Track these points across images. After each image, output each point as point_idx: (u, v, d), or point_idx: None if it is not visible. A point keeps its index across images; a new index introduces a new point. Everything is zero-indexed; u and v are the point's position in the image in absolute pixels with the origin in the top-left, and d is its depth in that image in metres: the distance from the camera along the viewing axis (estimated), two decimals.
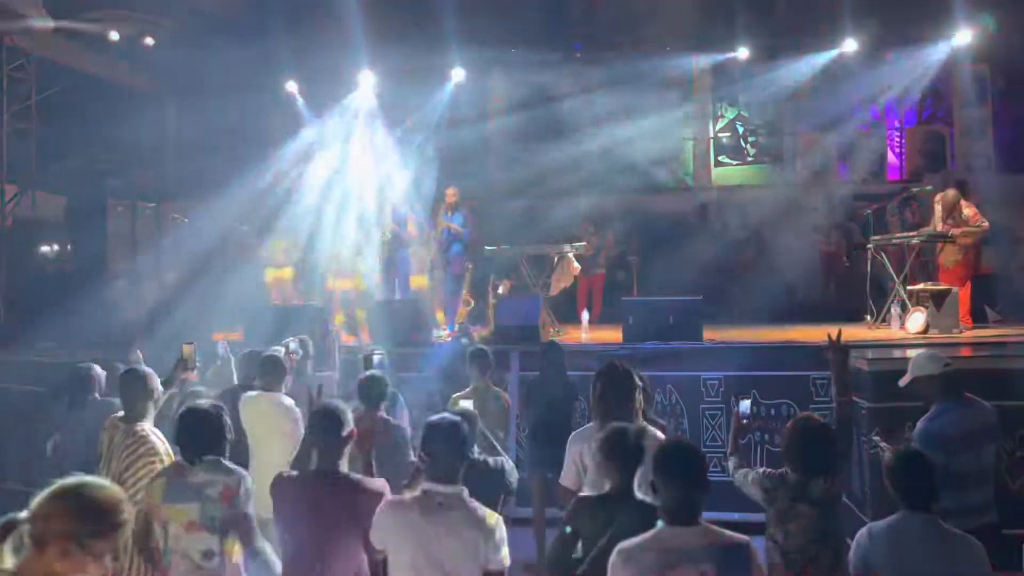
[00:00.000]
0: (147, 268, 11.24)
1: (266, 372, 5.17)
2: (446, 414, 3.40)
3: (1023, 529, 3.34)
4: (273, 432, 4.86)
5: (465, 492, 3.12)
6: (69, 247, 11.13)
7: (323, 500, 3.34)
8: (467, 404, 4.54)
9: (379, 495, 3.32)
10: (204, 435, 3.53)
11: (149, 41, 13.05)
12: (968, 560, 3.11)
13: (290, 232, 11.80)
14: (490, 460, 4.05)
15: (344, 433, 3.46)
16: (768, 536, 3.59)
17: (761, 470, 3.79)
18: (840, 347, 4.01)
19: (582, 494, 3.51)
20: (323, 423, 3.47)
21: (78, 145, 12.96)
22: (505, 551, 3.09)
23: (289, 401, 4.99)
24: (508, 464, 4.14)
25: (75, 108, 13.08)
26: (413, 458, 5.28)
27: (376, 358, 5.71)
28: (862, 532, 3.23)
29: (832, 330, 4.07)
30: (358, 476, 3.46)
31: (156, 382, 4.34)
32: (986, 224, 8.23)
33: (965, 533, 3.23)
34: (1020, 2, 11.85)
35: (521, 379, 7.08)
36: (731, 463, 4.04)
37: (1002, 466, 5.31)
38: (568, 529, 3.26)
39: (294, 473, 3.55)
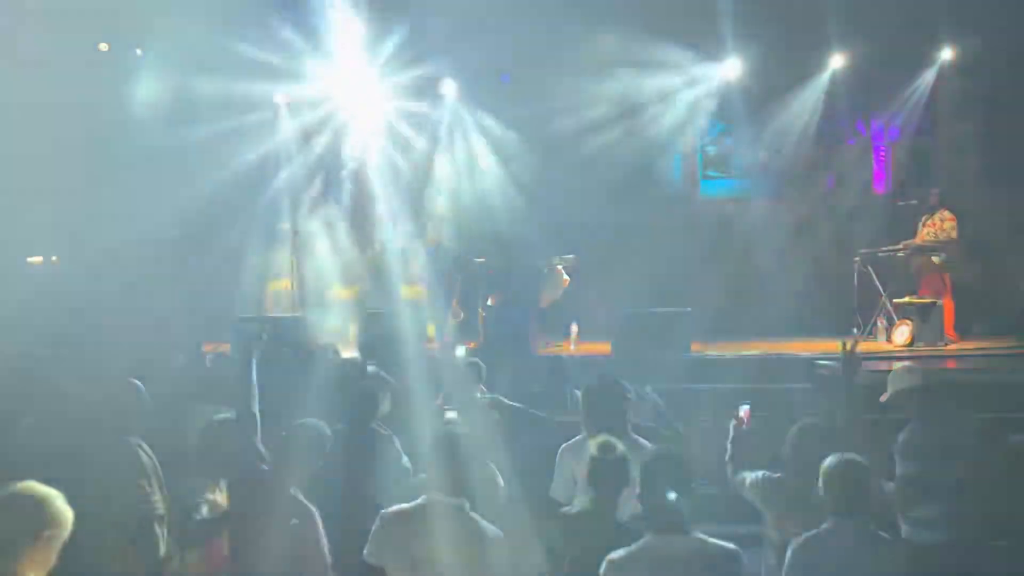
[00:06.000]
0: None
1: None
2: (454, 427, 3.41)
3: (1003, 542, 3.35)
4: None
5: (467, 504, 3.13)
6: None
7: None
8: (454, 416, 4.54)
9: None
10: None
11: (138, 51, 12.99)
12: (898, 564, 3.13)
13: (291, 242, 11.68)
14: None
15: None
16: (766, 538, 3.61)
17: (760, 473, 3.80)
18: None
19: (562, 509, 3.47)
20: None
21: None
22: (504, 564, 3.10)
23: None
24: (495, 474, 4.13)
25: None
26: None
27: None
28: (792, 547, 3.16)
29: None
30: (263, 474, 3.71)
31: (144, 395, 4.31)
32: (954, 234, 8.31)
33: (894, 538, 3.25)
34: (1004, 17, 11.98)
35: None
36: (729, 468, 4.05)
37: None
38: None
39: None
